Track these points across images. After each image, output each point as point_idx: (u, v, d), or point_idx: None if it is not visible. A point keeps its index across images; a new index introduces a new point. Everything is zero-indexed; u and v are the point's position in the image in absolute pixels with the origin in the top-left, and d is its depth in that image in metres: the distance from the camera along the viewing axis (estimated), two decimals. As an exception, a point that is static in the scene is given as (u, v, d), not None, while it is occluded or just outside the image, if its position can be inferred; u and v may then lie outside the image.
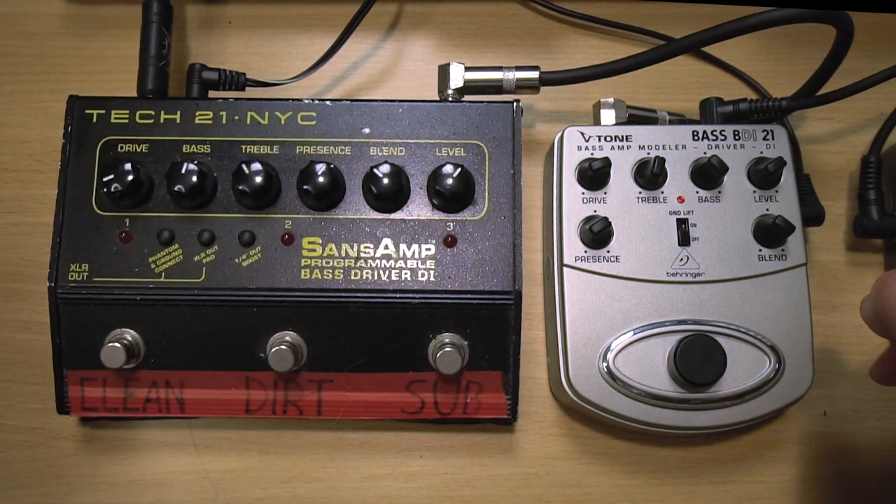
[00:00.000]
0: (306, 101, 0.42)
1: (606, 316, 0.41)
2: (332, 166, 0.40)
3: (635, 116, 0.45)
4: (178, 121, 0.42)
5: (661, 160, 0.41)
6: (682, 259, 0.41)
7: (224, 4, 0.51)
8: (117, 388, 0.41)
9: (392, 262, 0.40)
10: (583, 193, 0.42)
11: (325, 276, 0.40)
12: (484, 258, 0.40)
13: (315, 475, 0.44)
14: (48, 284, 0.40)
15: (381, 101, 0.42)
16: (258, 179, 0.39)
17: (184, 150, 0.41)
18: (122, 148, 0.41)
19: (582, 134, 0.43)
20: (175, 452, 0.44)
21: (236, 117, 0.42)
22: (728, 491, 0.44)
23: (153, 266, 0.40)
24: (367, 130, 0.42)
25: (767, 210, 0.42)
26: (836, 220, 0.48)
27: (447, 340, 0.40)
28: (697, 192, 0.42)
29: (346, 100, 0.42)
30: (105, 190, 0.40)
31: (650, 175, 0.41)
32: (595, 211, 0.42)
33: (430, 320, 0.40)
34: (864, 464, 0.45)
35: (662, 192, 0.42)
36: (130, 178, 0.39)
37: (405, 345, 0.40)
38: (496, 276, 0.40)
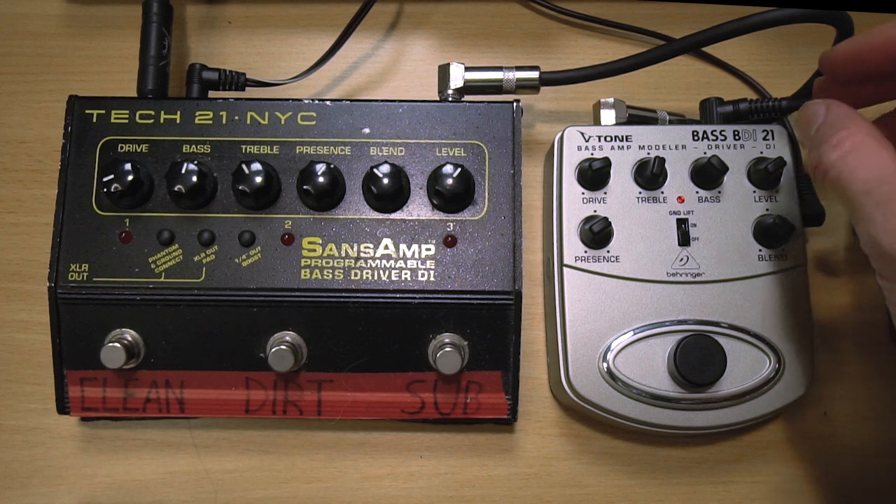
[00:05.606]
0: (306, 101, 0.42)
1: (606, 316, 0.41)
2: (332, 166, 0.40)
3: (635, 116, 0.45)
4: (178, 121, 0.42)
5: (661, 160, 0.41)
6: (682, 259, 0.41)
7: (224, 4, 0.51)
8: (117, 388, 0.41)
9: (392, 262, 0.40)
10: (583, 193, 0.42)
11: (325, 276, 0.40)
12: (484, 258, 0.40)
13: (315, 475, 0.44)
14: (48, 284, 0.40)
15: (381, 101, 0.42)
16: (258, 179, 0.39)
17: (184, 150, 0.41)
18: (122, 148, 0.41)
19: (582, 134, 0.43)
20: (175, 452, 0.44)
21: (236, 117, 0.42)
22: (728, 491, 0.44)
23: (153, 266, 0.40)
24: (367, 130, 0.42)
25: (767, 210, 0.42)
26: (836, 220, 0.48)
27: (447, 340, 0.40)
28: (697, 192, 0.42)
29: (346, 100, 0.42)
30: (105, 190, 0.40)
31: (650, 175, 0.41)
32: (595, 211, 0.42)
33: (430, 320, 0.40)
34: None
35: (662, 192, 0.42)
36: (130, 178, 0.39)
37: (405, 345, 0.40)
38: (496, 276, 0.40)
